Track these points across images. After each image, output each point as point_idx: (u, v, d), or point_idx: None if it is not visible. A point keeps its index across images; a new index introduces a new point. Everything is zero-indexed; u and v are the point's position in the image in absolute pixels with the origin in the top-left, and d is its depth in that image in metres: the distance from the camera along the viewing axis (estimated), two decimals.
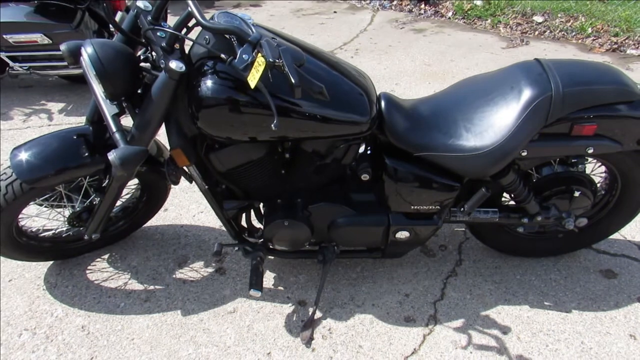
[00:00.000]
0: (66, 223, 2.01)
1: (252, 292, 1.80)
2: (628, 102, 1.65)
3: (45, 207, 1.98)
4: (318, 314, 1.95)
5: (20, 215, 1.91)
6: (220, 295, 2.04)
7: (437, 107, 1.77)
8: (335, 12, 6.00)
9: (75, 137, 1.79)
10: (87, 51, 1.49)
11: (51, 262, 2.18)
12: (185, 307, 1.98)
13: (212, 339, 1.86)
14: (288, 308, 1.98)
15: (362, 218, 1.85)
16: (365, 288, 2.08)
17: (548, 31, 5.16)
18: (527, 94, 1.62)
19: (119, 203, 2.23)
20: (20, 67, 3.53)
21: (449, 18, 5.70)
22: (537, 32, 5.18)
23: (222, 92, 1.47)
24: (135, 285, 2.09)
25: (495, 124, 1.65)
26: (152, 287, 2.08)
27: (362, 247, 2.02)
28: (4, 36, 3.34)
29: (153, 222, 2.40)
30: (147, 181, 2.12)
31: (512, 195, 1.88)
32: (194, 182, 1.84)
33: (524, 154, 1.68)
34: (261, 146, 1.70)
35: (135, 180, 2.15)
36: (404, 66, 4.37)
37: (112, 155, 1.49)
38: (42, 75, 3.80)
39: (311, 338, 1.85)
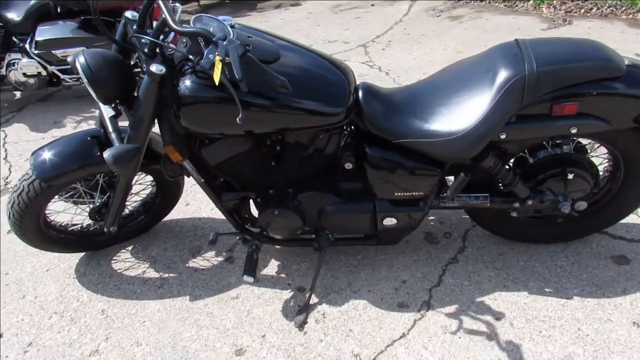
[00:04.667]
0: (88, 218, 2.22)
1: (245, 278, 1.91)
2: (613, 79, 1.58)
3: (70, 203, 2.21)
4: (314, 299, 2.03)
5: (47, 211, 2.14)
6: (226, 282, 2.17)
7: (416, 94, 1.79)
8: (372, 4, 6.01)
9: (88, 139, 1.99)
10: (79, 61, 1.65)
11: (83, 254, 2.41)
12: (194, 293, 2.13)
13: (214, 322, 1.99)
14: (287, 294, 2.07)
15: (349, 206, 1.90)
16: (364, 275, 2.12)
17: (595, 8, 4.88)
18: (501, 76, 1.60)
19: (138, 199, 2.43)
20: (70, 79, 3.88)
21: (489, 2, 5.53)
22: (583, 10, 4.91)
23: (197, 90, 1.59)
24: (152, 274, 2.26)
25: (469, 108, 1.64)
26: (166, 275, 2.24)
27: (355, 234, 2.07)
28: (53, 52, 3.68)
29: (175, 215, 2.58)
30: (160, 178, 2.29)
31: (498, 179, 1.85)
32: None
33: (503, 136, 1.66)
34: (248, 139, 1.80)
35: (151, 177, 2.33)
36: (435, 55, 4.32)
37: (106, 154, 1.65)
38: None
39: (304, 322, 1.93)
